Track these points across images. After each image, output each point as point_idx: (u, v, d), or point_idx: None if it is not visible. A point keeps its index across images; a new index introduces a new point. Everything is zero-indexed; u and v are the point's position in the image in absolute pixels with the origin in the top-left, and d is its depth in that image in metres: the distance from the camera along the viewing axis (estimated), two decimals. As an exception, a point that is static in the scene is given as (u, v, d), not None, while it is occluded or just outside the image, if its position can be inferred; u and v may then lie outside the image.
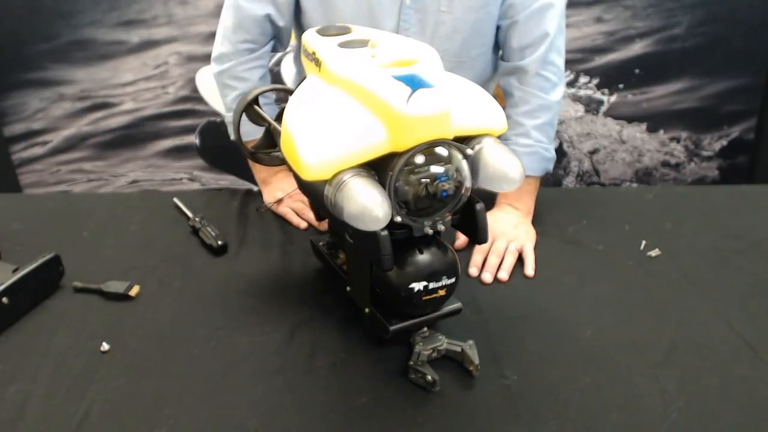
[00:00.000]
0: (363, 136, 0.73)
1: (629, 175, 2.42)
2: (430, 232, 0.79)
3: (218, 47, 1.25)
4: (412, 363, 0.85)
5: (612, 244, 1.16)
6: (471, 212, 0.82)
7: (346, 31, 0.93)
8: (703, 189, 1.87)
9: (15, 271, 0.99)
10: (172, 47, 2.20)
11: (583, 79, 2.26)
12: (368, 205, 0.70)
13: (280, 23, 1.22)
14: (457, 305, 0.89)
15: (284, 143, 0.79)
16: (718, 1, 2.15)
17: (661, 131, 2.34)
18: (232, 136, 1.04)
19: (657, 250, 1.14)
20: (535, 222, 1.21)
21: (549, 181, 2.32)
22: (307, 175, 0.73)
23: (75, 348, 0.92)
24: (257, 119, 0.99)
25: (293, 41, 1.31)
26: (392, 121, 0.72)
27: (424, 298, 0.82)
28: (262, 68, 1.26)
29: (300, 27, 1.26)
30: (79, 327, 0.96)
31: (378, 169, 0.75)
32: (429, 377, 0.83)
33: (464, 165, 0.77)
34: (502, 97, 1.26)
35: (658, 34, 2.20)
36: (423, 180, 0.75)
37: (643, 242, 1.16)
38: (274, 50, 1.27)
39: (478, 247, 1.12)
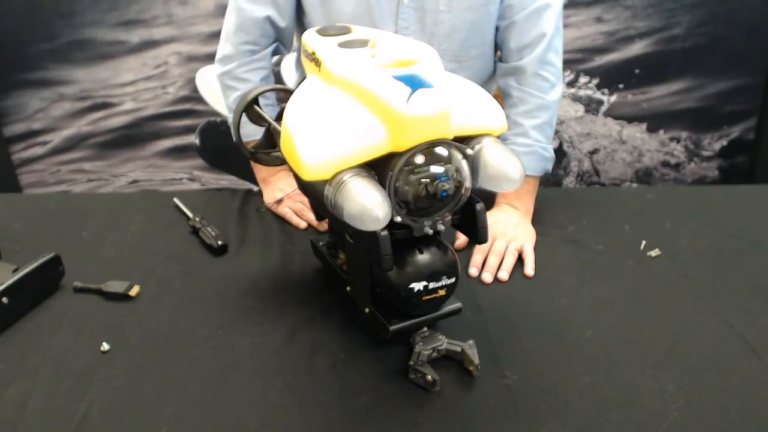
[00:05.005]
0: (363, 136, 0.73)
1: (629, 175, 2.41)
2: (430, 232, 0.79)
3: (221, 49, 1.25)
4: (412, 363, 0.85)
5: (612, 244, 1.16)
6: (471, 212, 0.82)
7: (345, 31, 0.93)
8: (703, 189, 1.87)
9: (15, 271, 0.99)
10: (172, 47, 2.20)
11: (583, 79, 2.26)
12: (368, 205, 0.70)
13: (281, 24, 1.22)
14: (457, 305, 0.89)
15: (284, 143, 0.78)
16: (718, 1, 2.15)
17: (661, 131, 2.34)
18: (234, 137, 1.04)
19: (657, 250, 1.14)
20: (535, 222, 1.21)
21: (549, 181, 2.32)
22: (307, 175, 0.73)
23: (75, 348, 0.92)
24: (257, 119, 0.99)
25: (296, 43, 1.31)
26: (392, 121, 0.72)
27: (424, 298, 0.82)
28: (264, 69, 1.26)
29: (302, 28, 1.26)
30: (79, 327, 0.96)
31: (378, 169, 0.75)
32: (429, 377, 0.83)
33: (464, 165, 0.77)
34: (502, 98, 1.26)
35: (658, 34, 2.19)
36: (423, 180, 0.75)
37: (643, 242, 1.16)
38: (279, 53, 1.27)
39: (478, 247, 1.12)
